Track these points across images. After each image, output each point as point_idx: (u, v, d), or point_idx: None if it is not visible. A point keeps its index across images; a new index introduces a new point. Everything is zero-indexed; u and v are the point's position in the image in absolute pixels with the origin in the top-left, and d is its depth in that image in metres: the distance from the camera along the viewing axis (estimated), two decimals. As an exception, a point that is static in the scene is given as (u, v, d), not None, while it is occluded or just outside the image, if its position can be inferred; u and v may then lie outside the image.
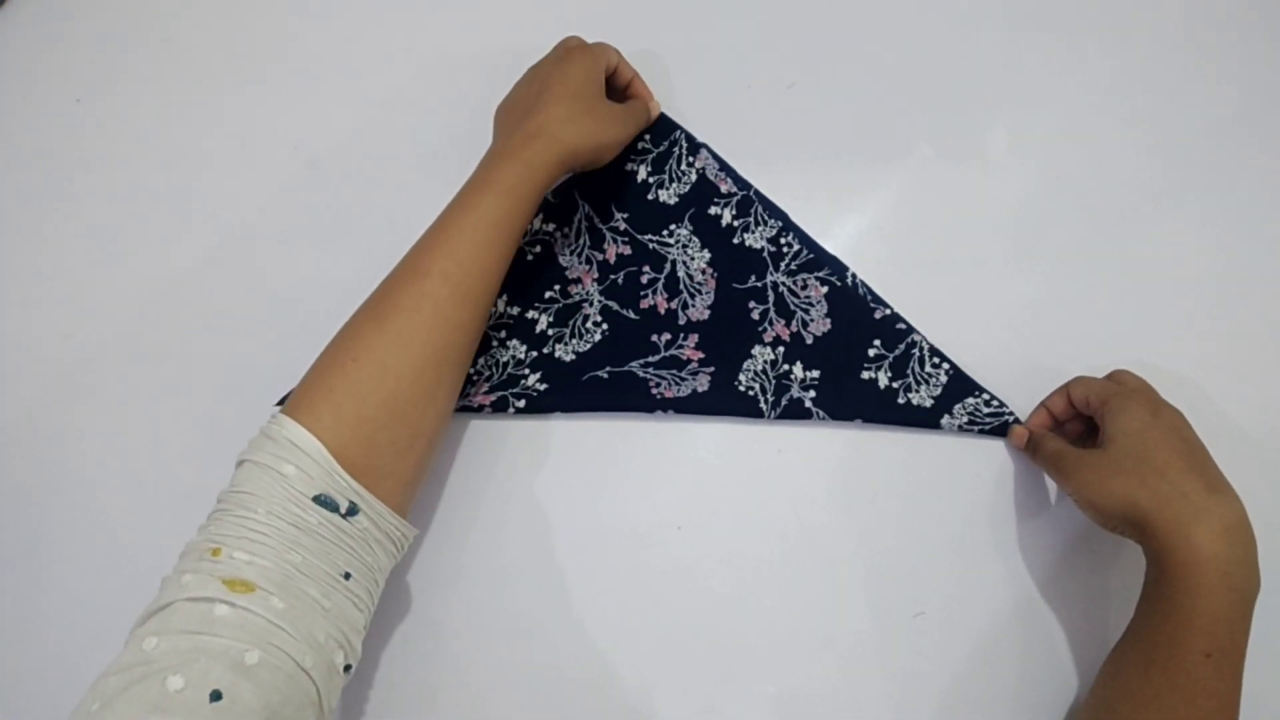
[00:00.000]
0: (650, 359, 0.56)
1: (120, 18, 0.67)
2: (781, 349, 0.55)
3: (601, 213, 0.60)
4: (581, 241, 0.59)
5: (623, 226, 0.59)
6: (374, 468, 0.41)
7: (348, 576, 0.39)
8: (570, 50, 0.56)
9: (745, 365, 0.55)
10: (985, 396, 0.54)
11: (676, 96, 0.65)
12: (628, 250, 0.59)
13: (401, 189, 0.62)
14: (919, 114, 0.64)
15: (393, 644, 0.49)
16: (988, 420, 0.53)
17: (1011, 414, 0.54)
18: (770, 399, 0.54)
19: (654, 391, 0.54)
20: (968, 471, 0.53)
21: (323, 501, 0.39)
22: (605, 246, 0.59)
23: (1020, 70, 0.65)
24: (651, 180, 0.61)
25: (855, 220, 0.62)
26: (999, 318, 0.58)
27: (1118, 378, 0.50)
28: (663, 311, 0.57)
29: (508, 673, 0.49)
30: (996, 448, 0.54)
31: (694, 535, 0.52)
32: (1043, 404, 0.53)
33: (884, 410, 0.54)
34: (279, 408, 0.42)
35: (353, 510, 0.39)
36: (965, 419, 0.53)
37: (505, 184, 0.49)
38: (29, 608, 0.50)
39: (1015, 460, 0.54)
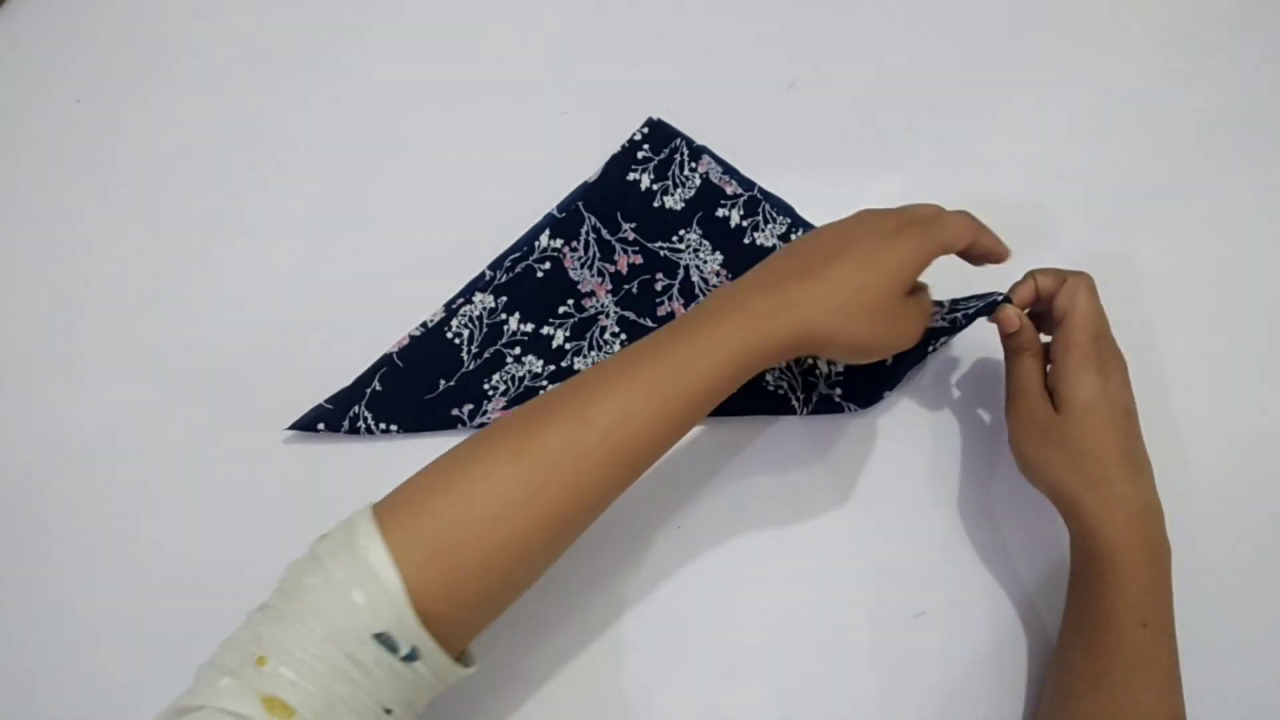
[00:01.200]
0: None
1: (120, 18, 0.67)
2: None
3: (609, 224, 0.60)
4: (591, 254, 0.59)
5: (632, 236, 0.59)
6: (451, 618, 0.37)
7: (389, 711, 0.36)
8: (906, 227, 0.44)
9: None
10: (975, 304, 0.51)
11: (677, 96, 0.65)
12: (639, 259, 0.59)
13: (404, 188, 0.62)
14: (919, 114, 0.64)
15: None
16: (973, 304, 0.50)
17: (1001, 294, 0.50)
18: (800, 395, 0.54)
19: None
20: (968, 472, 0.53)
21: (384, 640, 0.35)
22: (616, 258, 0.59)
23: (1020, 69, 0.65)
24: (655, 188, 0.61)
25: None
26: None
27: (1073, 319, 0.46)
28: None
29: (507, 673, 0.49)
30: (1000, 449, 0.54)
31: (694, 535, 0.52)
32: (1030, 278, 0.49)
33: (899, 371, 0.53)
34: (371, 508, 0.38)
35: (412, 656, 0.35)
36: (955, 312, 0.50)
37: (723, 354, 0.40)
38: (29, 608, 0.50)
39: (1008, 464, 0.53)
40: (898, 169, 0.63)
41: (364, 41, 0.67)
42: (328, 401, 0.55)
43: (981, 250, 0.47)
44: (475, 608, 0.38)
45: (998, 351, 0.54)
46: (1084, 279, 0.47)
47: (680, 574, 0.51)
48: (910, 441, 0.55)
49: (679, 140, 0.62)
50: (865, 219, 0.45)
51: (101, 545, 0.52)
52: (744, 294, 0.42)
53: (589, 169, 0.62)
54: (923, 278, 0.45)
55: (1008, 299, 0.49)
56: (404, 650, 0.35)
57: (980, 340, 0.57)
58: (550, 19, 0.67)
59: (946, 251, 0.45)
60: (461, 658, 0.38)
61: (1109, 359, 0.45)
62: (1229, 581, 0.51)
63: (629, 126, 0.64)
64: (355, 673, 0.34)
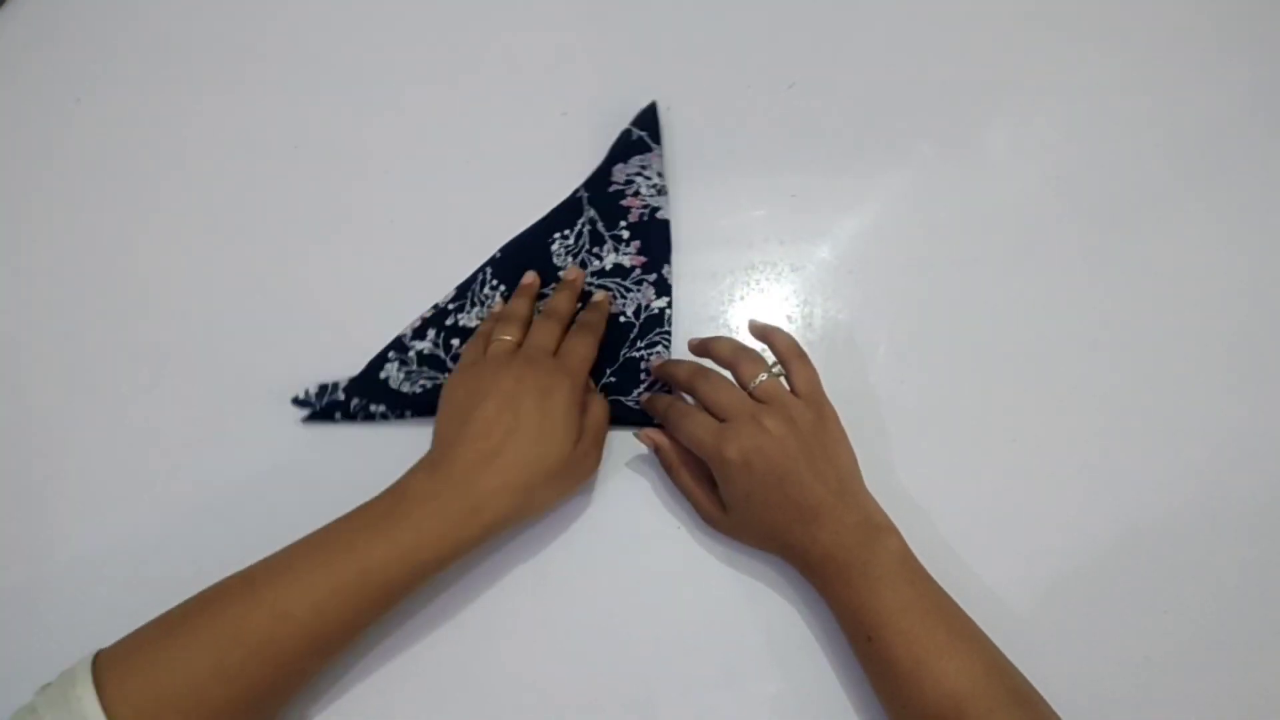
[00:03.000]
0: (632, 336, 0.56)
1: (120, 18, 0.67)
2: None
3: (607, 219, 0.60)
4: (581, 244, 0.59)
5: (626, 235, 0.59)
6: None
7: None
8: (553, 377, 0.48)
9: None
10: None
11: (677, 96, 0.65)
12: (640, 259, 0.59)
13: (403, 188, 0.62)
14: (919, 114, 0.64)
15: (390, 646, 0.49)
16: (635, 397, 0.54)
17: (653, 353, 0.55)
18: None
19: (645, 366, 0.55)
20: (968, 472, 0.53)
21: None
22: (604, 251, 0.59)
23: (1020, 70, 0.65)
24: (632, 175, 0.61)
25: (855, 220, 0.62)
26: (998, 317, 0.58)
27: (700, 431, 0.48)
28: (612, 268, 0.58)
29: (507, 673, 0.49)
30: (1005, 452, 0.54)
31: (694, 535, 0.52)
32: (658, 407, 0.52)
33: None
34: (92, 658, 0.40)
35: None
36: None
37: (419, 553, 0.43)
38: (28, 608, 0.50)
39: (1015, 462, 0.54)
40: (898, 169, 0.63)
41: (364, 41, 0.67)
42: (342, 390, 0.55)
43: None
44: None
45: (995, 352, 0.55)
46: (669, 416, 0.50)
47: (680, 574, 0.51)
48: (912, 442, 0.54)
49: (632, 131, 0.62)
50: (515, 376, 0.48)
51: (102, 546, 0.52)
52: (440, 490, 0.44)
53: (589, 169, 0.62)
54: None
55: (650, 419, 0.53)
56: None
57: (980, 340, 0.57)
58: (551, 19, 0.68)
59: (585, 374, 0.50)
60: None
61: (752, 452, 0.46)
62: (1233, 582, 0.51)
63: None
64: None
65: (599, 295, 0.56)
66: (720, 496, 0.50)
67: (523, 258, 0.59)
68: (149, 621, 0.42)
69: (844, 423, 0.49)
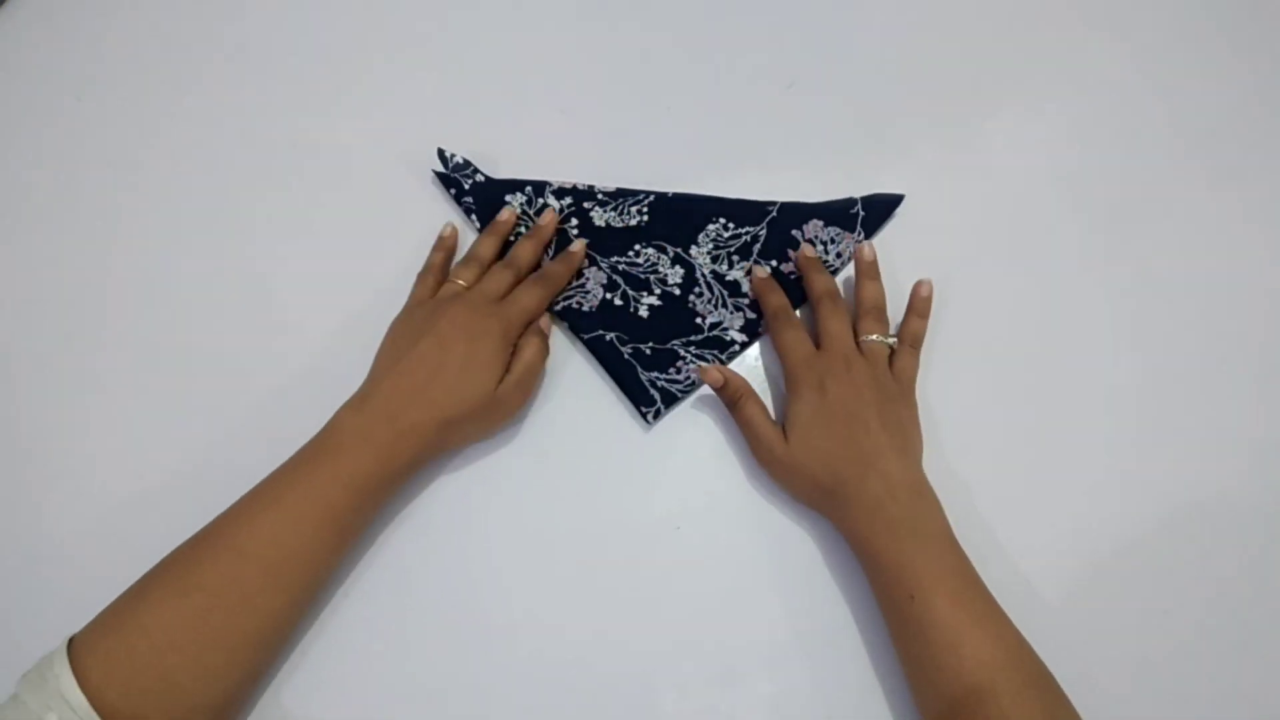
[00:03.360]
0: (693, 338, 0.56)
1: (120, 18, 0.67)
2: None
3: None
4: (729, 243, 0.60)
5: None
6: None
7: None
8: (478, 325, 0.51)
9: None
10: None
11: (677, 96, 0.65)
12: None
13: (403, 186, 0.62)
14: (919, 114, 0.64)
15: (391, 646, 0.49)
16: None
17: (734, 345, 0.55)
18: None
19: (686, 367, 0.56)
20: (968, 473, 0.53)
21: None
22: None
23: (1022, 68, 0.66)
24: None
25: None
26: (999, 316, 0.58)
27: (797, 343, 0.52)
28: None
29: (507, 673, 0.48)
30: (997, 457, 0.54)
31: (694, 535, 0.52)
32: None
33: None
34: (66, 641, 0.41)
35: None
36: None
37: (355, 480, 0.46)
38: (27, 607, 0.50)
39: (1013, 461, 0.54)
40: (898, 169, 0.62)
41: (364, 42, 0.67)
42: (470, 182, 0.60)
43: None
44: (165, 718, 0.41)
45: (998, 350, 0.55)
46: (777, 319, 0.54)
47: (680, 574, 0.51)
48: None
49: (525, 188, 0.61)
50: (450, 318, 0.51)
51: (101, 544, 0.52)
52: (368, 423, 0.48)
53: (588, 169, 0.62)
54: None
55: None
56: None
57: (981, 339, 0.57)
58: (550, 19, 0.67)
59: (522, 322, 0.53)
60: None
61: (829, 375, 0.50)
62: (1237, 585, 0.51)
63: (628, 126, 0.64)
64: None
65: (576, 245, 0.57)
66: (781, 433, 0.51)
67: (680, 208, 0.60)
68: (116, 599, 0.43)
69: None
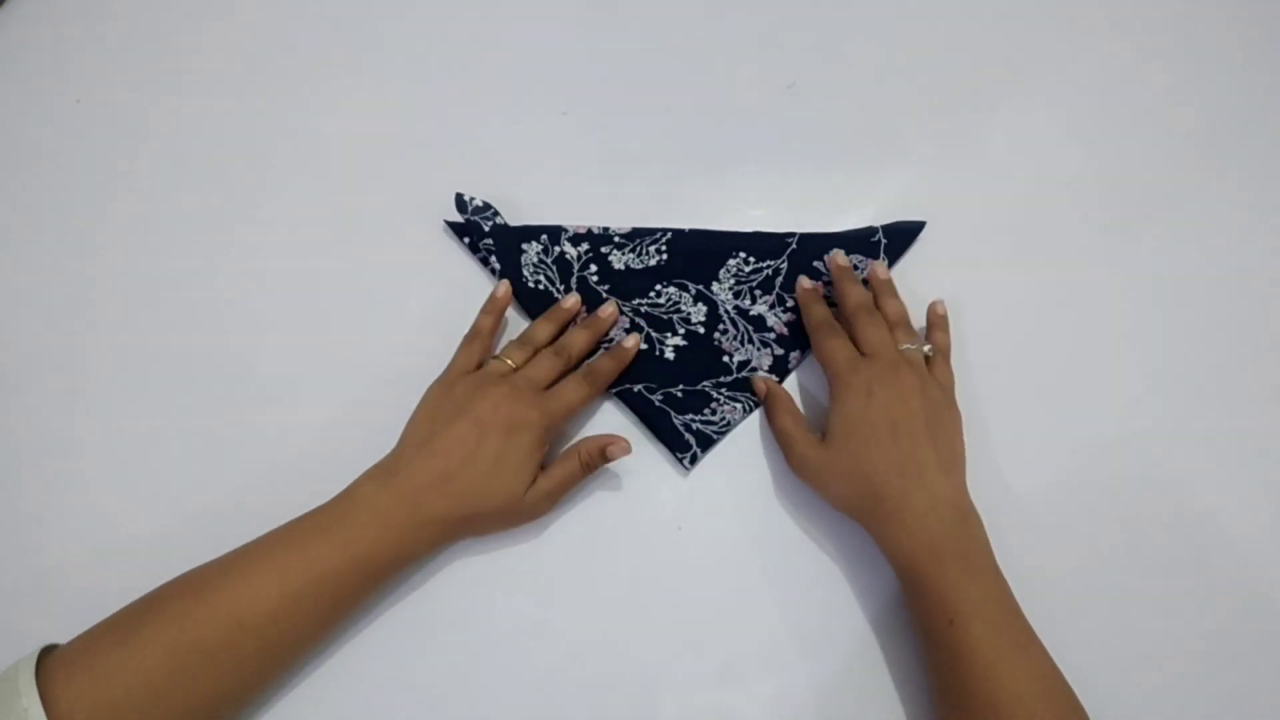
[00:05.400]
0: (723, 379, 0.56)
1: (120, 18, 0.67)
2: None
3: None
4: (751, 277, 0.59)
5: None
6: None
7: None
8: (518, 417, 0.48)
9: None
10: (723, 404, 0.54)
11: (677, 96, 0.65)
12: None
13: (404, 185, 0.62)
14: (919, 113, 0.64)
15: (392, 646, 0.49)
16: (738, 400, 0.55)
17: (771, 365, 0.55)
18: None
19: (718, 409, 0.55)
20: (968, 475, 0.52)
21: None
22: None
23: (1022, 66, 0.65)
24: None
25: (856, 220, 0.61)
26: (999, 318, 0.57)
27: (840, 350, 0.51)
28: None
29: (507, 674, 0.48)
30: (1013, 455, 0.53)
31: (694, 536, 0.52)
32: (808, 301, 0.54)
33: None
34: (34, 662, 0.40)
35: None
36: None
37: (368, 562, 0.45)
38: (27, 606, 0.50)
39: (1017, 463, 0.53)
40: (898, 168, 0.62)
41: (364, 41, 0.67)
42: (489, 226, 0.59)
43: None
44: None
45: (998, 352, 0.54)
46: (820, 329, 0.52)
47: (681, 574, 0.51)
48: None
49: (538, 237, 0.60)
50: (492, 403, 0.48)
51: (101, 544, 0.52)
52: (389, 505, 0.45)
53: (588, 170, 0.62)
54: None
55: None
56: None
57: (981, 341, 0.56)
58: (551, 18, 0.67)
59: (564, 418, 0.50)
60: None
61: (876, 382, 0.48)
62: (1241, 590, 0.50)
63: (628, 126, 0.64)
64: None
65: (630, 340, 0.55)
66: (818, 439, 0.50)
67: (698, 245, 0.59)
68: (99, 623, 0.42)
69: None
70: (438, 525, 0.46)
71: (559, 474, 0.50)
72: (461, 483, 0.46)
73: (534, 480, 0.48)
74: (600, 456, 0.50)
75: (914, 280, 0.58)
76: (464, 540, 0.51)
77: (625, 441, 0.50)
